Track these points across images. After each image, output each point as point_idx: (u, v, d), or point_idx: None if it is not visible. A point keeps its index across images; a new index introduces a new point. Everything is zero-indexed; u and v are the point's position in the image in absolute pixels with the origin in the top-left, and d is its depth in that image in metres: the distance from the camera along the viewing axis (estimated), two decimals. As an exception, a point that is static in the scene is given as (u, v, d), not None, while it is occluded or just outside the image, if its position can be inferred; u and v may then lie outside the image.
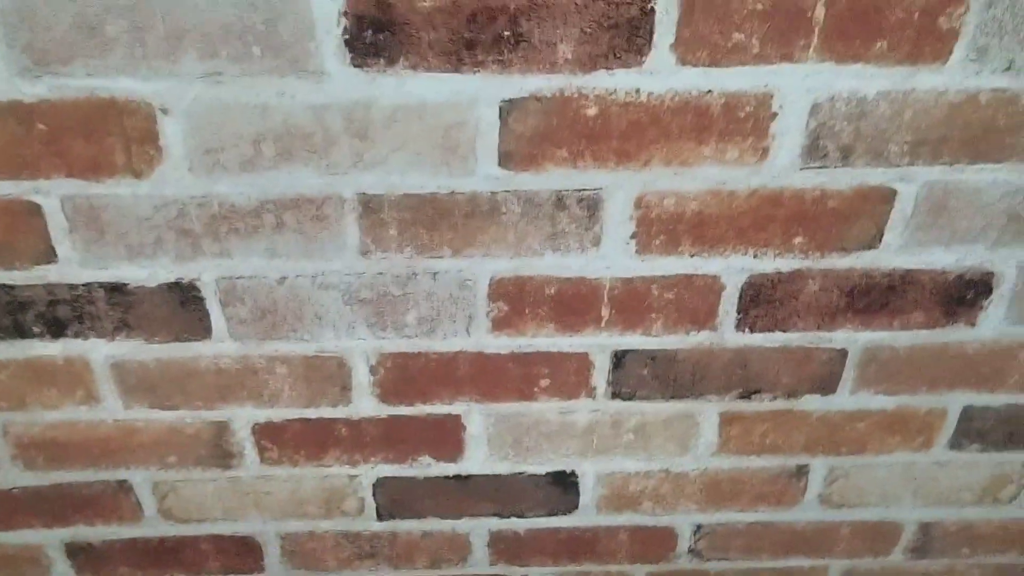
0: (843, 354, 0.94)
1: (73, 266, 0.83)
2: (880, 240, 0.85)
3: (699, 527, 1.11)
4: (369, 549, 1.11)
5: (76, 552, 1.08)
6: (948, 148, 0.80)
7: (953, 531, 1.12)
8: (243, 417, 0.96)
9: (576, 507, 1.08)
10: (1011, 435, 1.02)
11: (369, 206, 0.81)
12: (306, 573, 1.13)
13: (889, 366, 0.95)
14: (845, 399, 0.98)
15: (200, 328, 0.88)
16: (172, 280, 0.84)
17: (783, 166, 0.80)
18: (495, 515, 1.08)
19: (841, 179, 0.81)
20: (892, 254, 0.86)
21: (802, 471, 1.05)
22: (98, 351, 0.89)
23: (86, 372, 0.91)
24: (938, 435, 1.02)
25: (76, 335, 0.88)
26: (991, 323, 0.92)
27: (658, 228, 0.84)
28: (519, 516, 1.08)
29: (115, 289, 0.85)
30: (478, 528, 1.09)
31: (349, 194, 0.80)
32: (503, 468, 1.03)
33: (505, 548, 1.12)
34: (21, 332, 0.87)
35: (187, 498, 1.03)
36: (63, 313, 0.86)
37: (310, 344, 0.90)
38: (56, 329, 0.87)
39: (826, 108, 0.77)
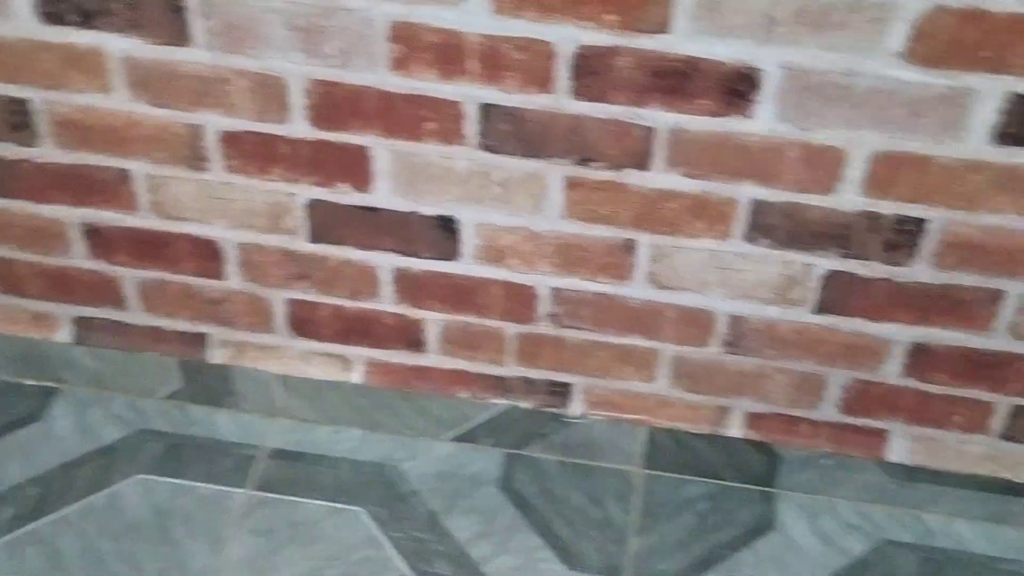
0: (652, 131, 1.18)
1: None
2: (670, 25, 1.10)
3: (556, 291, 1.35)
4: (304, 270, 1.38)
5: (90, 234, 1.39)
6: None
7: (760, 328, 1.34)
8: (213, 123, 1.25)
9: (459, 255, 1.33)
10: (793, 234, 1.24)
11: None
12: (255, 286, 1.41)
13: (688, 149, 1.19)
14: (658, 176, 1.22)
15: (182, 35, 1.18)
16: (165, -14, 1.14)
17: (593, -52, 1.06)
18: (398, 252, 1.34)
19: (636, -35, 1.06)
20: (682, 39, 1.11)
21: (630, 245, 1.28)
22: (113, 44, 1.20)
23: (103, 62, 1.21)
24: (733, 225, 1.25)
25: (99, 28, 1.18)
26: (764, 118, 1.15)
27: (507, -9, 1.10)
28: (416, 256, 1.34)
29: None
30: (385, 263, 1.36)
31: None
32: (402, 205, 1.30)
33: (407, 287, 1.38)
34: (61, 20, 1.18)
35: (172, 195, 1.33)
36: (90, 6, 1.16)
37: (261, 62, 1.19)
38: (86, 21, 1.18)
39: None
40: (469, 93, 1.18)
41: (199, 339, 1.48)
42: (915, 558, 1.42)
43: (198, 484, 1.45)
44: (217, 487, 1.46)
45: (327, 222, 1.32)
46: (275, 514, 1.43)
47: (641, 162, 1.21)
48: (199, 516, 1.42)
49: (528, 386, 1.46)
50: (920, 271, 1.24)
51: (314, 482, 1.47)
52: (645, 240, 1.27)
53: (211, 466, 1.48)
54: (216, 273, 1.40)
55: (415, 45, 1.15)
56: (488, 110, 1.19)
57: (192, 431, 1.52)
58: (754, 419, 1.43)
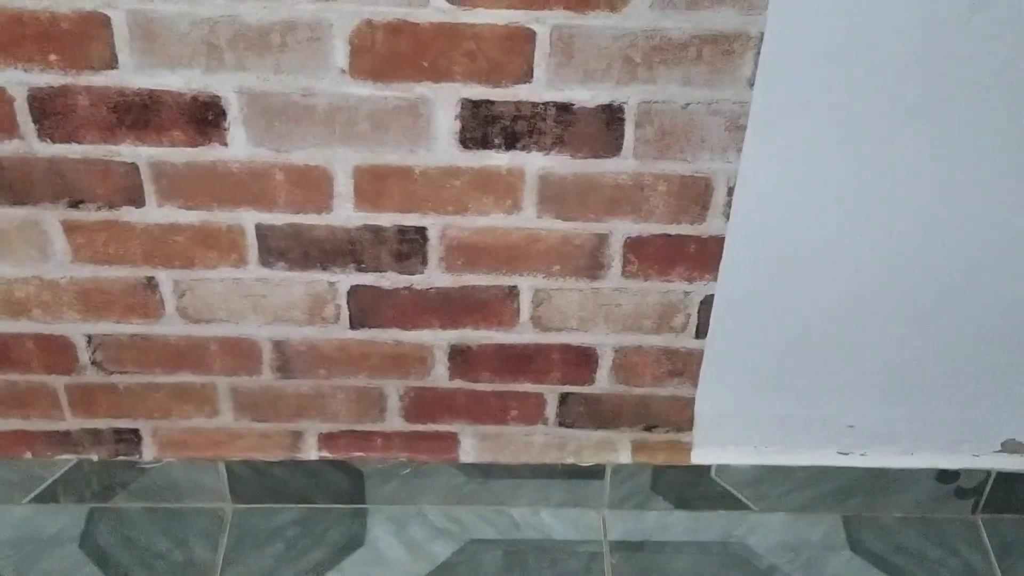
0: (136, 168, 1.15)
1: None
2: (116, 62, 1.07)
3: (90, 338, 1.30)
4: None
5: None
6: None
7: (303, 350, 1.33)
8: None
9: (-22, 311, 1.26)
10: (305, 254, 1.24)
11: None
12: None
13: (177, 181, 1.17)
14: (156, 211, 1.19)
15: None
16: None
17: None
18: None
19: (63, 2, 1.03)
20: (132, 73, 1.08)
21: (152, 283, 1.25)
22: None
23: None
24: (246, 251, 1.23)
25: None
26: (239, 143, 1.14)
27: (-59, 40, 1.05)
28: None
29: None
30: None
31: None
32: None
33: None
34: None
35: None
36: None
37: None
38: None
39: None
40: (-68, 146, 1.12)
41: None
42: (500, 552, 1.45)
43: None
44: None
45: None
46: None
47: (135, 198, 1.18)
48: None
49: (94, 437, 1.40)
50: (435, 277, 1.26)
51: None
52: (164, 276, 1.24)
53: None
54: None
55: None
56: (-41, 161, 1.13)
57: None
58: (328, 439, 1.43)
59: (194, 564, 1.40)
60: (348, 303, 1.28)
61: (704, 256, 1.24)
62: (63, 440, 1.40)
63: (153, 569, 1.40)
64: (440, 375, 1.36)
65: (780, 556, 1.45)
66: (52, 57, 1.07)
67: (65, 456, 1.41)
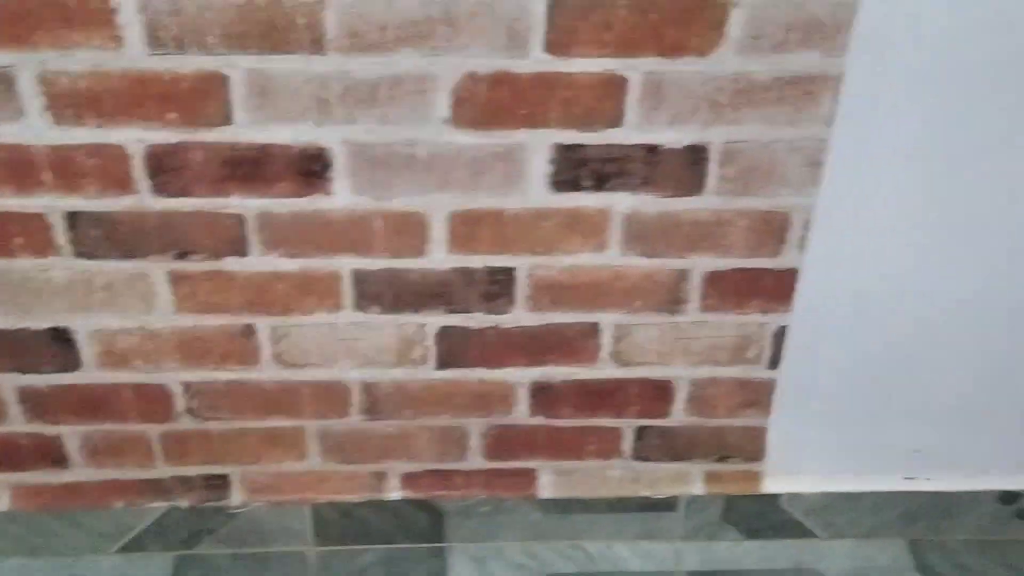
0: (241, 218, 1.21)
1: None
2: (231, 118, 1.13)
3: (188, 385, 1.34)
4: (-80, 403, 1.31)
5: None
6: (252, 41, 1.08)
7: (391, 391, 1.37)
8: None
9: (81, 364, 1.30)
10: (399, 298, 1.29)
11: None
12: None
13: (280, 230, 1.22)
14: (258, 260, 1.24)
15: None
16: None
17: (137, 53, 1.08)
18: (17, 370, 1.30)
19: (185, 64, 1.09)
20: (245, 129, 1.14)
21: (251, 330, 1.30)
22: None
23: None
24: (342, 297, 1.28)
25: None
26: (342, 193, 1.20)
27: (68, 101, 1.10)
28: (37, 372, 1.31)
29: None
30: (6, 383, 1.31)
31: None
32: (9, 323, 1.26)
33: (35, 404, 1.34)
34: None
35: None
36: None
37: None
38: None
39: (152, 5, 1.05)
40: (51, 204, 1.17)
41: None
42: (579, 586, 1.48)
43: None
44: None
45: (-67, 350, 1.27)
46: (-77, 664, 1.34)
47: (239, 248, 1.23)
48: None
49: (184, 484, 1.43)
50: (521, 316, 1.31)
51: (-33, 622, 1.39)
52: (263, 323, 1.29)
53: None
54: None
55: (-18, 162, 1.13)
56: (74, 218, 1.18)
57: None
58: (410, 479, 1.46)
59: (284, 607, 1.43)
60: (437, 344, 1.32)
61: (779, 288, 1.30)
62: (154, 488, 1.43)
63: (245, 613, 1.42)
64: (521, 412, 1.40)
65: (851, 581, 1.49)
66: (171, 115, 1.12)
67: (155, 504, 1.44)
